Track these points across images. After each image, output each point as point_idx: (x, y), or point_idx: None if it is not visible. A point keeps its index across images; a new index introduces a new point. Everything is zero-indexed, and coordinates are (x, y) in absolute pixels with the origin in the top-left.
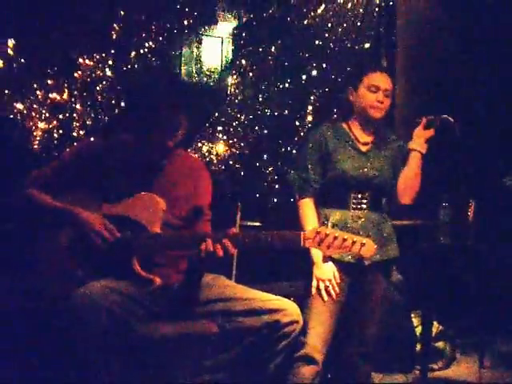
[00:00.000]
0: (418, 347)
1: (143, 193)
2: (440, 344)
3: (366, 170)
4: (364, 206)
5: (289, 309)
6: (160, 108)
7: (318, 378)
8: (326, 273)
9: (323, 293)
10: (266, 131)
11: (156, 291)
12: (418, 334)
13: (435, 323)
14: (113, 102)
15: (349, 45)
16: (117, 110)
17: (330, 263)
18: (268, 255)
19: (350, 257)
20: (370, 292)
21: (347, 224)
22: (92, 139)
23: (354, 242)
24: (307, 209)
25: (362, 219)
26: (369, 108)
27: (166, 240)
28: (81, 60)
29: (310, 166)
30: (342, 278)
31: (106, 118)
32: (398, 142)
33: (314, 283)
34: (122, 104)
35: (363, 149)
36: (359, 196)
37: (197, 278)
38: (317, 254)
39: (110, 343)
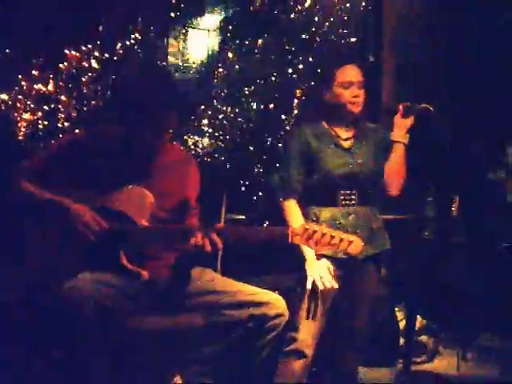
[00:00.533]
0: (402, 341)
1: (131, 186)
2: (423, 338)
3: (350, 166)
4: (353, 202)
5: (275, 302)
6: (147, 102)
7: (307, 372)
8: (317, 269)
9: (318, 283)
10: (251, 125)
11: (143, 284)
12: (401, 327)
13: (419, 317)
14: (98, 93)
15: (335, 39)
16: (102, 102)
17: (324, 260)
18: (254, 249)
19: (341, 253)
20: (362, 286)
21: (337, 221)
22: (79, 131)
23: (341, 240)
24: (292, 209)
25: (352, 215)
26: (347, 104)
27: (154, 233)
28: (67, 51)
29: (292, 167)
30: (336, 272)
31: (92, 109)
32: (379, 131)
33: (309, 279)
34: (108, 95)
35: (345, 145)
36: (347, 192)
37: (185, 272)
38: (308, 251)
39: (97, 336)
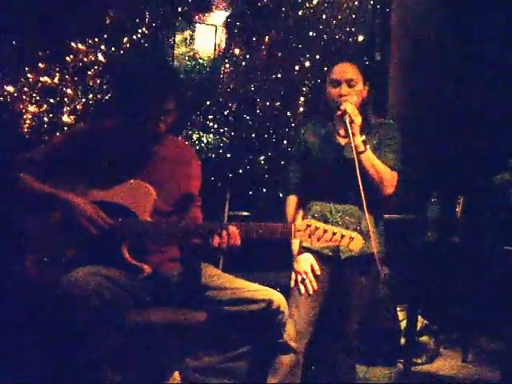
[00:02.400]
0: (402, 341)
1: (134, 180)
2: (424, 338)
3: (344, 163)
4: (345, 199)
5: (275, 299)
6: (146, 91)
7: (298, 368)
8: (302, 265)
9: (300, 285)
10: (257, 121)
11: (145, 279)
12: (402, 328)
13: (420, 318)
14: (104, 87)
15: (343, 37)
16: (108, 96)
17: (308, 255)
18: (255, 245)
19: (328, 250)
20: (348, 286)
21: (326, 216)
22: (82, 124)
23: (342, 236)
24: (290, 205)
25: (341, 212)
26: (332, 104)
27: (174, 229)
28: (73, 44)
29: (290, 165)
30: (322, 268)
31: (97, 103)
32: (384, 126)
33: (293, 275)
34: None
35: (342, 142)
36: (340, 189)
37: (196, 267)
38: (295, 247)
39: (98, 330)
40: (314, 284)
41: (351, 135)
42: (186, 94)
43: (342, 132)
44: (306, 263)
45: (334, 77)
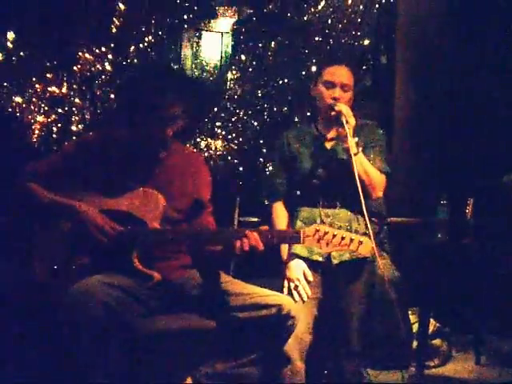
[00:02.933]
0: (415, 344)
1: (143, 188)
2: (436, 341)
3: (330, 166)
4: (333, 204)
5: (286, 304)
6: (152, 95)
7: (299, 378)
8: (294, 272)
9: (294, 293)
10: (264, 127)
11: (155, 286)
12: (414, 331)
13: (432, 320)
14: (112, 96)
15: (348, 41)
16: (116, 105)
17: (299, 261)
18: (265, 251)
19: (318, 255)
20: (341, 291)
21: (315, 221)
22: (91, 133)
23: (351, 240)
24: (277, 211)
25: (330, 217)
26: (323, 104)
27: (204, 235)
28: (80, 54)
29: (274, 172)
30: (314, 275)
31: (105, 112)
32: (369, 128)
33: (285, 283)
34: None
35: (328, 145)
36: (328, 193)
37: (210, 274)
38: (284, 254)
39: (107, 338)
40: (308, 290)
41: (348, 136)
42: (194, 100)
43: (329, 135)
44: (297, 270)
45: (328, 78)
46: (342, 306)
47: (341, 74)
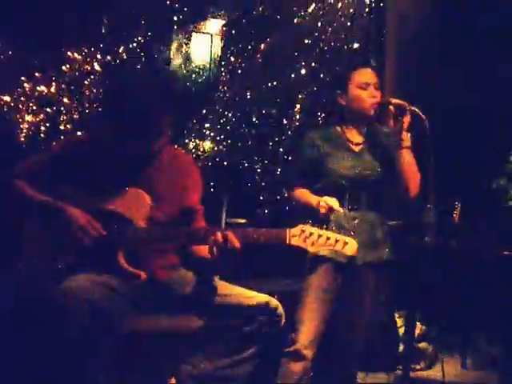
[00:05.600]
0: (401, 347)
1: (129, 188)
2: (423, 344)
3: (359, 169)
4: (359, 207)
5: (271, 306)
6: (144, 112)
7: (307, 375)
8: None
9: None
10: (253, 129)
11: (141, 286)
12: (401, 334)
13: (418, 324)
14: (100, 96)
15: (338, 44)
16: (103, 107)
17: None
18: (252, 252)
19: (341, 257)
20: (360, 293)
21: (342, 224)
22: (79, 133)
23: (337, 241)
24: (305, 192)
25: (357, 220)
26: (364, 106)
27: (167, 235)
28: (69, 53)
29: (297, 165)
30: (334, 276)
31: (93, 112)
32: (391, 135)
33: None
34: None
35: (356, 149)
36: (354, 196)
37: (209, 276)
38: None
39: (93, 337)
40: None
41: (404, 129)
42: (183, 102)
43: (355, 140)
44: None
45: (362, 80)
46: (355, 308)
47: (370, 73)
